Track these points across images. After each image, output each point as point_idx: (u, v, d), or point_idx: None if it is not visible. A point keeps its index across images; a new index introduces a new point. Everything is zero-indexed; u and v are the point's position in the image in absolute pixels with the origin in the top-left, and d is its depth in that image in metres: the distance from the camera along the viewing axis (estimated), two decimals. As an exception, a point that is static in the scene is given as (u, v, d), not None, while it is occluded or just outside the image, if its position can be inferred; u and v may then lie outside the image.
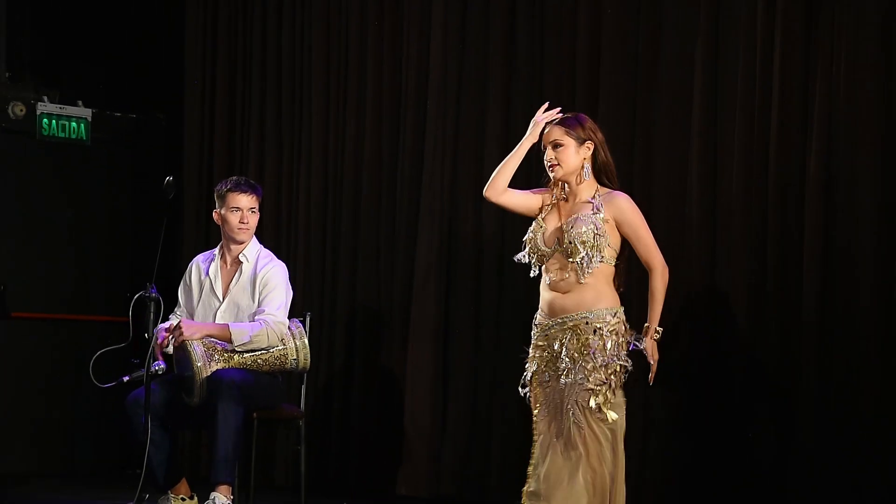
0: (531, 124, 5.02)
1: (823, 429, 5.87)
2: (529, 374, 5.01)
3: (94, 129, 8.26)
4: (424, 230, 7.21)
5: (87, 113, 8.24)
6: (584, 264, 4.83)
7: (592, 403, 4.78)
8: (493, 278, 6.99)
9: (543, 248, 4.95)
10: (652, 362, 4.89)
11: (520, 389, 5.07)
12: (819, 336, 5.91)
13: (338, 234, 7.57)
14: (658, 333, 4.89)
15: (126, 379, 5.65)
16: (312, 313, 6.40)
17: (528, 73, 6.92)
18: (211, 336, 5.83)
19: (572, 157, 4.93)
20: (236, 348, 5.84)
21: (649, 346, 4.89)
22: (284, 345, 5.93)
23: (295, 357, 5.95)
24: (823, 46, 5.94)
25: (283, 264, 6.13)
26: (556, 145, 4.93)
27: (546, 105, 5.07)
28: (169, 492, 5.91)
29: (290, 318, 6.06)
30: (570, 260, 4.87)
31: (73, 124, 8.18)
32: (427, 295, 7.17)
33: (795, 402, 5.95)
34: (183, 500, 5.94)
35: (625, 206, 4.93)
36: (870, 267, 5.80)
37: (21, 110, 8.02)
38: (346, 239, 7.54)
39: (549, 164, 4.96)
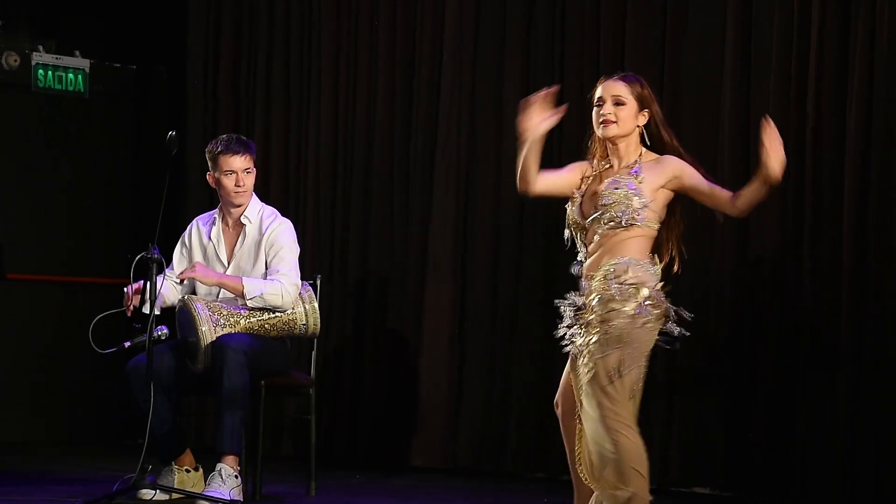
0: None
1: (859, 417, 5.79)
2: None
3: (92, 81, 8.17)
4: (440, 190, 7.11)
5: (84, 64, 8.13)
6: (618, 217, 4.39)
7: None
8: (512, 242, 6.91)
9: (579, 219, 4.52)
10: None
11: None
12: (856, 314, 5.79)
13: (348, 193, 7.48)
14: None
15: (128, 345, 5.55)
16: (322, 276, 6.25)
17: (549, 24, 6.80)
18: (223, 285, 5.75)
19: (630, 120, 4.52)
20: (247, 303, 5.71)
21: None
22: (293, 309, 5.80)
23: (304, 322, 5.83)
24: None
25: (289, 221, 5.98)
26: (618, 102, 4.50)
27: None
28: (173, 463, 5.78)
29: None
30: (606, 224, 4.44)
31: (71, 76, 8.08)
32: (443, 258, 7.06)
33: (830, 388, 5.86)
34: (187, 471, 5.80)
35: (679, 164, 4.49)
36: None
37: (15, 61, 7.91)
38: (357, 199, 7.44)
39: (602, 118, 4.52)
